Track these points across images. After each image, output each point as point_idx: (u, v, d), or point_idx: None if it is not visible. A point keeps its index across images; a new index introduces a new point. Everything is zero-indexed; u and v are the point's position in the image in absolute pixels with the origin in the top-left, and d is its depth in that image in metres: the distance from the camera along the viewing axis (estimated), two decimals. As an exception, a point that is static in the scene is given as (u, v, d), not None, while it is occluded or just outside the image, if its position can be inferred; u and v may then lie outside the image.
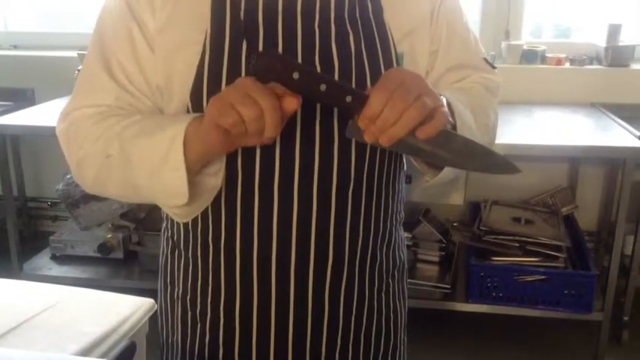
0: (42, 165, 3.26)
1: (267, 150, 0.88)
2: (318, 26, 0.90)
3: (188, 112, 0.90)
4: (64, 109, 0.96)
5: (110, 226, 2.70)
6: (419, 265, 2.50)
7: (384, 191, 0.98)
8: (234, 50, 0.88)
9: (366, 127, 0.77)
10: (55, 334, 1.28)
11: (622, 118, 2.49)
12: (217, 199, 0.92)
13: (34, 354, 1.09)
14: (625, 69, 2.77)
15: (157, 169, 0.85)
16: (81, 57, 2.73)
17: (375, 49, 0.92)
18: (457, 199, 2.54)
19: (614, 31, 2.73)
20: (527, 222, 2.48)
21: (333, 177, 0.91)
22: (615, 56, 2.75)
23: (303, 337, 0.97)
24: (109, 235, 2.67)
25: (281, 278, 0.94)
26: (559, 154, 2.58)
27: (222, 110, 0.74)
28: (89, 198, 2.49)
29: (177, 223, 1.00)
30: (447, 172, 0.92)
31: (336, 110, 0.89)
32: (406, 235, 2.35)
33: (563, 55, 2.82)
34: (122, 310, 1.39)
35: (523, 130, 2.44)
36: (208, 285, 0.98)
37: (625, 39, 2.78)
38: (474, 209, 2.72)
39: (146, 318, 1.41)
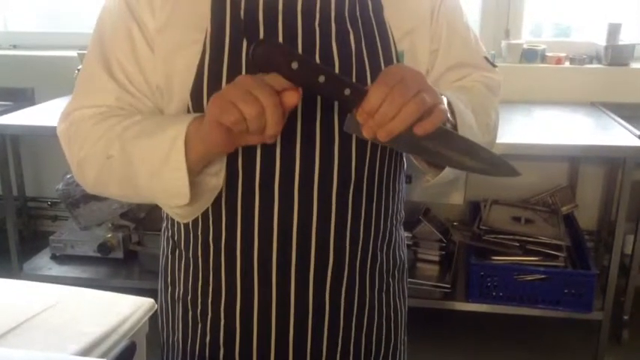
0: (42, 165, 3.25)
1: (268, 150, 0.88)
2: (319, 25, 0.90)
3: (188, 111, 0.89)
4: (65, 109, 0.96)
5: (110, 225, 2.70)
6: (419, 265, 2.50)
7: (384, 191, 0.98)
8: (235, 49, 0.88)
9: (364, 121, 0.77)
10: (55, 334, 1.28)
11: (622, 118, 2.49)
12: (218, 199, 0.92)
13: (34, 354, 1.09)
14: (625, 68, 2.76)
15: (157, 169, 0.85)
16: (81, 57, 2.72)
17: (376, 48, 0.92)
18: (457, 198, 2.53)
19: (614, 30, 2.73)
20: (527, 221, 2.48)
21: (333, 177, 0.90)
22: (615, 55, 2.75)
23: (303, 336, 0.97)
24: (109, 235, 2.67)
25: (281, 278, 0.94)
26: (559, 153, 2.58)
27: (223, 108, 0.74)
28: (89, 198, 2.49)
29: (177, 222, 1.00)
30: (448, 172, 0.92)
31: (336, 110, 0.89)
32: (406, 234, 2.35)
33: (563, 54, 2.82)
34: (122, 310, 1.39)
35: (523, 129, 2.44)
36: (209, 285, 0.98)
37: (625, 38, 2.78)
38: (474, 208, 2.72)
39: (146, 318, 1.41)
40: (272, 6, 0.89)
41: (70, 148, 0.94)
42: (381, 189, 0.97)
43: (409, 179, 2.27)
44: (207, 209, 0.93)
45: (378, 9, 0.94)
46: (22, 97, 3.06)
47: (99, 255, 2.67)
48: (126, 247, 2.69)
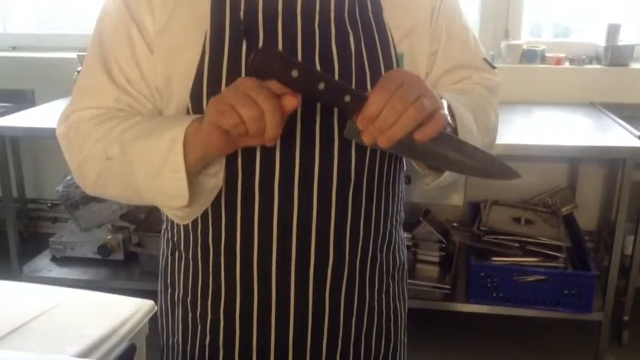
0: (42, 166, 3.25)
1: (268, 151, 0.88)
2: (318, 26, 0.90)
3: (188, 113, 0.89)
4: (64, 111, 0.96)
5: (110, 227, 2.70)
6: (419, 266, 2.50)
7: (384, 192, 0.98)
8: (234, 51, 0.88)
9: (364, 127, 0.77)
10: (55, 336, 1.28)
11: (622, 118, 2.49)
12: (217, 200, 0.92)
13: (33, 356, 1.09)
14: (624, 68, 2.77)
15: (156, 171, 0.85)
16: (80, 58, 2.73)
17: (375, 49, 0.92)
18: (457, 199, 2.53)
19: (613, 30, 2.74)
20: (527, 222, 2.48)
21: (333, 178, 0.90)
22: (615, 56, 2.75)
23: (303, 338, 0.97)
24: (109, 237, 2.67)
25: (281, 280, 0.94)
26: (559, 153, 2.58)
27: (222, 112, 0.74)
28: (89, 199, 2.49)
29: (177, 224, 1.00)
30: (447, 175, 0.92)
31: (336, 111, 0.89)
32: (406, 235, 2.35)
33: (562, 55, 2.82)
34: (122, 311, 1.38)
35: (523, 129, 2.44)
36: (208, 287, 0.98)
37: (624, 38, 2.78)
38: (474, 209, 2.72)
39: (146, 320, 1.41)
40: (271, 7, 0.89)
41: (69, 150, 0.94)
42: (380, 190, 0.97)
43: (409, 180, 2.27)
44: (207, 211, 0.93)
45: (378, 10, 0.94)
46: (22, 99, 3.06)
47: (99, 257, 2.67)
48: (126, 248, 2.69)
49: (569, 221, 2.63)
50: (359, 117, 0.76)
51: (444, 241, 2.49)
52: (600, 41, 2.80)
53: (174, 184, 0.84)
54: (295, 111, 0.86)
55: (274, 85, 0.74)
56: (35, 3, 3.41)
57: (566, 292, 2.28)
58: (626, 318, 2.42)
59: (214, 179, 0.89)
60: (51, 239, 2.76)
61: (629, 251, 2.39)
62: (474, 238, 2.45)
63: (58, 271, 2.69)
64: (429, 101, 0.76)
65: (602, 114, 2.62)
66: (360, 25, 0.92)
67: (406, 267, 1.12)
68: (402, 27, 0.95)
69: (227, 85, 0.82)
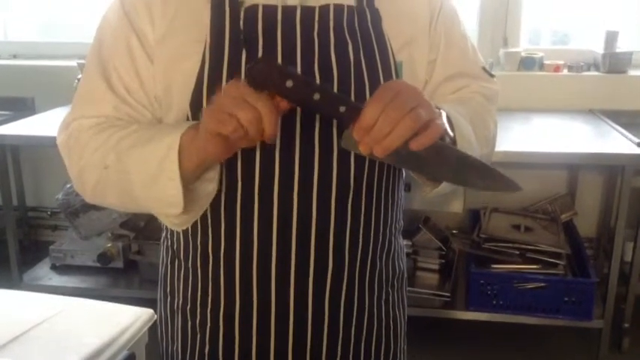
0: (42, 174, 3.26)
1: (267, 159, 0.89)
2: (317, 36, 0.90)
3: (188, 120, 0.90)
4: (64, 119, 0.97)
5: (110, 235, 2.70)
6: (419, 273, 2.50)
7: (383, 200, 0.98)
8: (234, 60, 0.88)
9: (360, 137, 0.77)
10: (55, 345, 1.28)
11: (620, 125, 2.49)
12: (217, 208, 0.92)
13: (33, 365, 1.09)
14: (623, 75, 2.77)
15: (152, 178, 0.85)
16: (81, 66, 2.73)
17: (374, 59, 0.92)
18: (457, 206, 2.53)
19: (611, 37, 2.75)
20: (527, 229, 2.48)
21: (332, 186, 0.91)
22: (613, 63, 2.76)
23: (303, 346, 0.97)
24: (109, 245, 2.67)
25: (281, 288, 0.94)
26: (558, 161, 2.58)
27: (220, 120, 0.74)
28: (89, 207, 2.49)
29: (176, 232, 1.00)
30: (446, 184, 0.92)
31: (338, 125, 0.89)
32: (406, 242, 2.36)
33: (561, 62, 2.83)
34: (122, 320, 1.38)
35: (522, 137, 2.45)
36: (208, 295, 0.98)
37: (622, 45, 2.79)
38: (474, 217, 2.72)
39: (145, 328, 1.41)
40: (271, 17, 0.90)
41: (69, 159, 0.94)
42: (379, 197, 0.97)
43: (408, 187, 2.27)
44: (207, 219, 0.94)
45: (377, 20, 0.94)
46: (22, 107, 3.07)
47: (99, 265, 2.67)
48: (126, 256, 2.68)
49: (569, 228, 2.63)
50: (355, 127, 0.77)
51: (444, 248, 2.49)
52: (598, 48, 2.81)
53: (170, 192, 0.84)
54: (294, 117, 0.87)
55: None
56: (36, 11, 3.42)
57: (566, 299, 2.28)
58: (626, 325, 2.42)
59: (210, 185, 0.88)
60: (51, 247, 2.76)
61: (628, 258, 2.39)
62: (474, 246, 2.45)
63: (58, 280, 2.69)
64: (425, 111, 0.77)
65: (601, 121, 2.63)
66: (358, 34, 0.92)
67: (406, 275, 1.12)
68: (400, 36, 0.95)
69: None
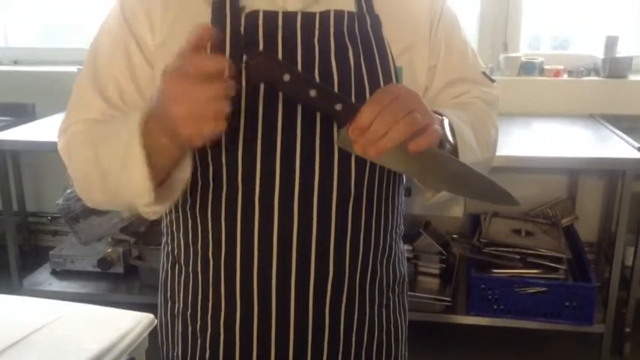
0: (42, 180, 3.26)
1: (268, 164, 0.89)
2: (318, 41, 0.90)
3: None
4: (61, 125, 0.97)
5: (110, 240, 2.69)
6: (419, 278, 2.50)
7: (383, 205, 0.98)
8: (235, 65, 0.88)
9: (356, 137, 0.78)
10: (55, 350, 1.28)
11: (620, 129, 2.50)
12: (217, 214, 0.92)
13: (34, 370, 1.08)
14: (623, 80, 2.78)
15: (120, 166, 0.83)
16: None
17: (374, 64, 0.92)
18: (457, 211, 2.54)
19: (611, 42, 2.75)
20: (528, 234, 2.48)
21: (333, 191, 0.91)
22: (613, 68, 2.76)
23: (303, 352, 0.97)
24: (109, 250, 2.67)
25: (281, 294, 0.94)
26: (558, 165, 2.58)
27: (197, 124, 0.72)
28: (89, 212, 2.49)
29: (177, 237, 1.00)
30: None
31: (336, 124, 0.89)
32: (406, 247, 2.36)
33: (561, 67, 2.84)
34: (122, 325, 1.38)
35: (522, 141, 2.45)
36: (208, 300, 0.97)
37: (622, 50, 2.80)
38: (474, 221, 2.72)
39: (146, 333, 1.41)
40: (272, 22, 0.90)
41: (68, 163, 0.95)
42: (380, 203, 0.97)
43: (409, 192, 2.28)
44: (207, 224, 0.94)
45: (377, 25, 0.94)
46: (22, 113, 3.07)
47: (99, 270, 2.67)
48: (126, 261, 2.68)
49: (570, 233, 2.63)
50: (350, 127, 0.77)
51: (445, 253, 2.48)
52: (598, 53, 2.82)
53: (138, 181, 0.81)
54: (295, 125, 0.87)
55: (200, 63, 0.72)
56: (37, 17, 3.43)
57: (567, 303, 2.28)
58: (627, 330, 2.41)
59: (181, 172, 0.86)
60: (51, 252, 2.76)
61: (629, 262, 2.39)
62: (475, 250, 2.45)
63: (58, 285, 2.69)
64: (421, 116, 0.77)
65: (601, 126, 2.63)
66: (359, 39, 0.92)
67: (406, 280, 1.12)
68: (401, 41, 0.96)
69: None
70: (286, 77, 0.75)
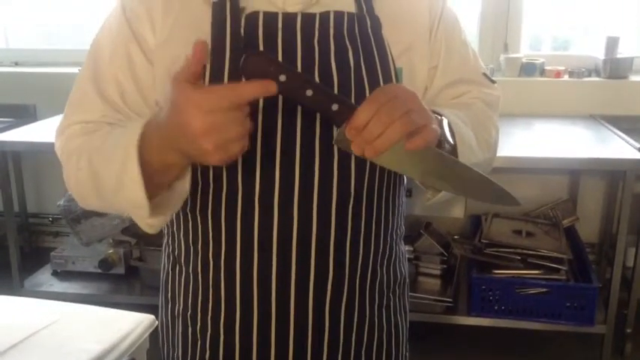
0: (43, 181, 3.26)
1: (267, 166, 0.89)
2: (318, 42, 0.90)
3: None
4: (59, 126, 0.97)
5: (111, 241, 2.70)
6: (420, 279, 2.49)
7: (384, 206, 0.98)
8: (235, 66, 0.88)
9: (353, 137, 0.77)
10: (56, 351, 1.28)
11: (621, 130, 2.50)
12: (217, 215, 0.92)
13: (35, 371, 1.09)
14: (623, 81, 2.78)
15: (118, 180, 0.83)
16: (82, 73, 2.74)
17: (374, 65, 0.92)
18: (458, 212, 2.54)
19: (612, 43, 2.75)
20: (529, 234, 2.48)
21: (333, 192, 0.91)
22: (614, 68, 2.76)
23: (303, 353, 0.97)
24: (110, 251, 2.67)
25: (281, 295, 0.94)
26: (559, 166, 2.58)
27: (221, 146, 0.73)
28: (90, 214, 2.49)
29: (178, 238, 1.00)
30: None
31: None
32: (407, 248, 2.36)
33: (561, 68, 2.84)
34: (123, 326, 1.39)
35: (523, 142, 2.45)
36: (209, 301, 0.97)
37: (623, 51, 2.80)
38: (475, 222, 2.72)
39: (147, 334, 1.41)
40: (272, 23, 0.90)
41: (64, 165, 0.95)
42: (380, 204, 0.97)
43: (409, 193, 2.28)
44: (207, 225, 0.94)
45: (377, 26, 0.94)
46: (23, 114, 3.08)
47: (100, 271, 2.67)
48: (127, 262, 2.68)
49: (571, 233, 2.63)
50: (347, 126, 0.77)
51: (446, 253, 2.48)
52: (599, 54, 2.82)
53: (134, 194, 0.81)
54: (295, 127, 0.87)
55: (229, 93, 0.73)
56: (37, 18, 3.44)
57: (568, 304, 2.28)
58: (628, 330, 2.41)
59: (180, 183, 0.86)
60: (52, 253, 2.76)
61: (630, 263, 2.39)
62: (476, 251, 2.45)
63: (59, 286, 2.69)
64: (419, 115, 0.77)
65: (602, 126, 2.63)
66: (359, 40, 0.92)
67: (407, 281, 1.12)
68: (401, 42, 0.96)
69: None
70: (282, 77, 0.75)
